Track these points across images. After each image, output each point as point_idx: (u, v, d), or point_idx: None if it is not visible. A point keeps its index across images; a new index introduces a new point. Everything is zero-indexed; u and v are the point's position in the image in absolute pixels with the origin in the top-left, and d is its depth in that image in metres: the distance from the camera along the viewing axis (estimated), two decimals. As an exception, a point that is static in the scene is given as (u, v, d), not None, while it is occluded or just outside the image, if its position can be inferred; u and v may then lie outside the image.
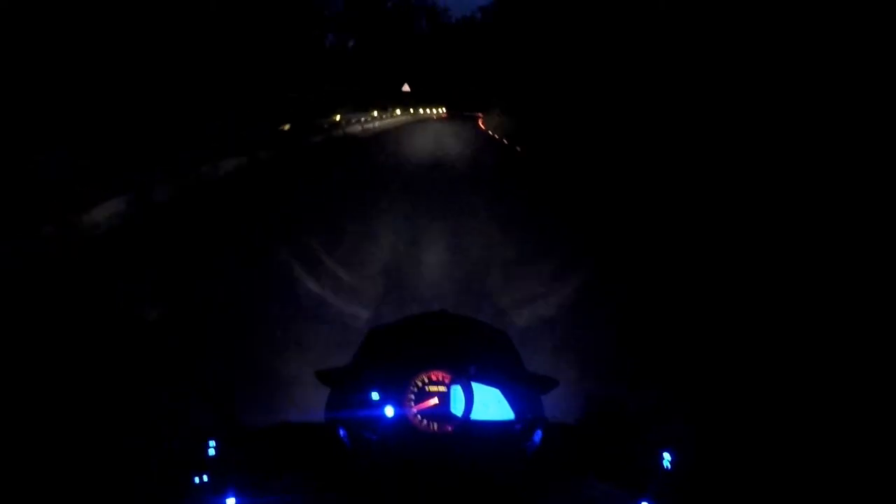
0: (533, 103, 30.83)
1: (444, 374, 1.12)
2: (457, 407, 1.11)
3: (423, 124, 35.19)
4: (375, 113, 30.33)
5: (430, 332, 1.25)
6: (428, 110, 48.96)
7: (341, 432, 1.08)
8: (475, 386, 1.12)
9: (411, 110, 41.24)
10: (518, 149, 19.80)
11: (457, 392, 1.11)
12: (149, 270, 4.99)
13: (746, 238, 6.86)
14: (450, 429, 1.10)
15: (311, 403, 1.20)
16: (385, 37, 53.28)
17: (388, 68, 48.48)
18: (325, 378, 1.15)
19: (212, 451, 1.00)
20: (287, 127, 16.90)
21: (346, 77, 38.24)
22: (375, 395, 1.10)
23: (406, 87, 41.25)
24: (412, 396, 1.11)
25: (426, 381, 1.12)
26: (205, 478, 0.97)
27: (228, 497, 0.96)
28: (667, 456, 1.02)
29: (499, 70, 49.71)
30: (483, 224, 7.60)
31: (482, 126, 35.68)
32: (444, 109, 55.25)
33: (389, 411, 1.09)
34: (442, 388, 1.12)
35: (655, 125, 14.47)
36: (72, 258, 5.30)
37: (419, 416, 1.10)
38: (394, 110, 35.02)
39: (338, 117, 22.92)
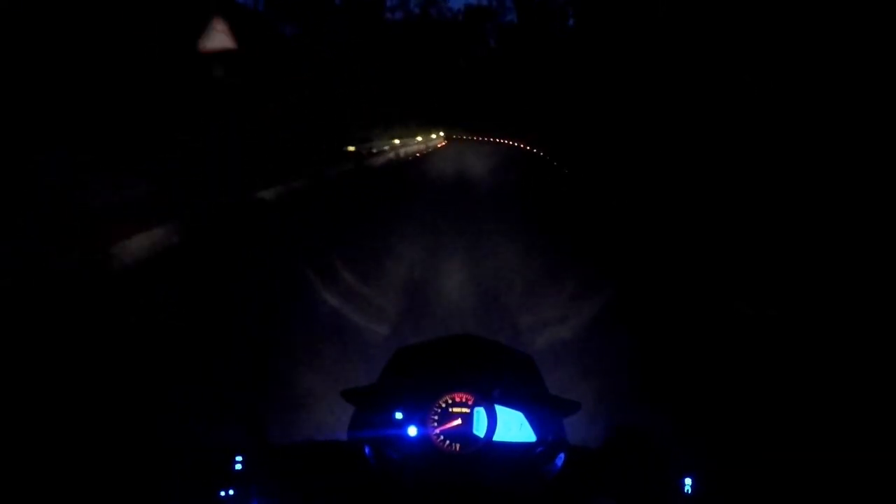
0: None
1: (468, 396, 1.13)
2: (479, 429, 1.12)
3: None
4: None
5: (455, 354, 1.26)
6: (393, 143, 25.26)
7: (367, 451, 1.08)
8: (498, 408, 1.13)
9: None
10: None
11: (480, 414, 1.12)
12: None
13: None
14: (472, 450, 1.10)
15: (336, 420, 1.20)
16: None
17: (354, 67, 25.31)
18: (351, 397, 1.16)
19: (238, 466, 1.00)
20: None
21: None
22: (399, 415, 1.11)
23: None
24: (435, 417, 1.12)
25: (450, 402, 1.13)
26: (231, 492, 0.97)
27: None
28: (688, 482, 1.03)
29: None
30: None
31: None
32: (439, 135, 35.84)
33: (412, 431, 1.10)
34: (465, 410, 1.13)
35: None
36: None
37: (442, 437, 1.11)
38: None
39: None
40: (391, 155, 23.52)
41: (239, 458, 1.01)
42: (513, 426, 1.13)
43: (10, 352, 3.48)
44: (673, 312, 5.33)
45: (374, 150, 22.94)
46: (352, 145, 20.70)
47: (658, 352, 4.37)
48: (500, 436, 1.12)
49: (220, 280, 5.90)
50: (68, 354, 3.56)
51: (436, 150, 31.61)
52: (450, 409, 1.13)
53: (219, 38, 10.35)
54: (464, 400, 1.13)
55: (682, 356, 4.26)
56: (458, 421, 1.12)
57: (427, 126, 36.27)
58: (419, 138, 31.87)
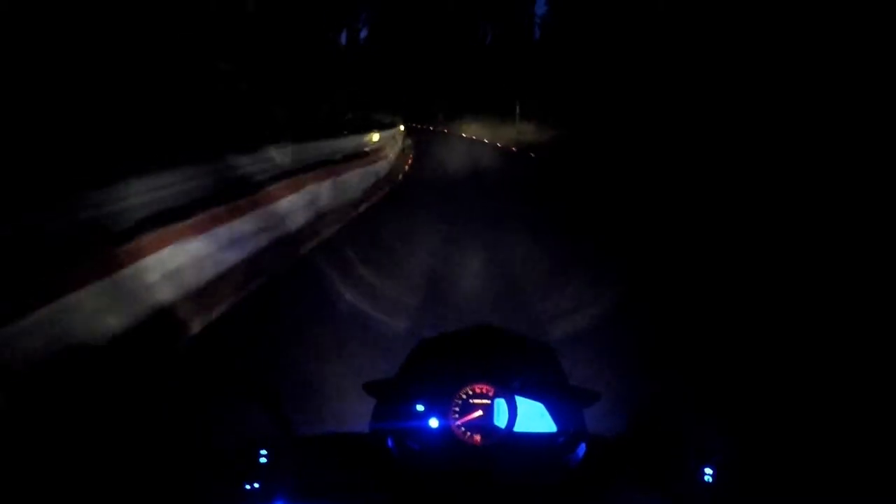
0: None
1: (489, 387, 1.14)
2: (500, 420, 1.12)
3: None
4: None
5: (475, 345, 1.26)
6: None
7: (389, 442, 1.09)
8: (519, 399, 1.13)
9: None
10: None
11: (501, 405, 1.13)
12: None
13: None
14: (493, 441, 1.11)
15: (358, 413, 1.21)
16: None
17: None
18: (373, 390, 1.17)
19: (263, 460, 1.02)
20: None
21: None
22: (420, 407, 1.12)
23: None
24: (456, 409, 1.13)
25: (470, 393, 1.14)
26: (256, 485, 0.99)
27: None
28: (709, 471, 1.03)
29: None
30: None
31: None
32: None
33: (434, 423, 1.11)
34: (486, 401, 1.13)
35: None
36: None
37: (463, 429, 1.12)
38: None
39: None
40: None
41: (264, 452, 1.03)
42: (533, 417, 1.14)
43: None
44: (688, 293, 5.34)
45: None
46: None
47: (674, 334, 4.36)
48: (520, 426, 1.12)
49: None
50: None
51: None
52: (470, 401, 1.13)
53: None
54: (484, 391, 1.14)
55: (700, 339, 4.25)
56: (479, 412, 1.13)
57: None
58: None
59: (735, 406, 3.13)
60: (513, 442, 1.11)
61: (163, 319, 4.34)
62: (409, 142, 22.45)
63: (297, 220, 8.05)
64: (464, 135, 28.41)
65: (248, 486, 0.99)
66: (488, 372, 1.16)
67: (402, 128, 22.30)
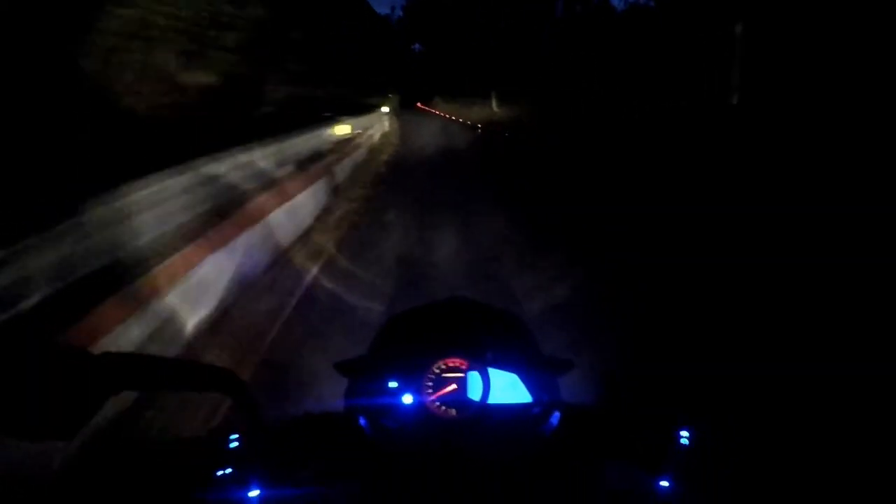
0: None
1: (461, 361, 1.13)
2: (474, 392, 1.11)
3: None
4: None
5: (446, 319, 1.25)
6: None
7: (362, 421, 1.07)
8: (492, 371, 1.12)
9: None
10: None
11: (474, 378, 1.12)
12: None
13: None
14: (468, 414, 1.10)
15: (332, 393, 1.19)
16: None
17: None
18: (344, 368, 1.15)
19: (234, 444, 0.99)
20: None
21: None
22: (393, 384, 1.10)
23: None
24: (430, 384, 1.11)
25: (443, 367, 1.13)
26: (228, 471, 0.96)
27: (252, 489, 0.96)
28: (685, 433, 1.03)
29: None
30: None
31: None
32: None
33: (407, 399, 1.10)
34: (459, 375, 1.12)
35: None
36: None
37: (437, 403, 1.11)
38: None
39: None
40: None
41: (234, 437, 1.00)
42: (507, 388, 1.13)
43: None
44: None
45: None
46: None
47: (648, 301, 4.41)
48: (494, 398, 1.12)
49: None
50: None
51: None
52: (443, 375, 1.12)
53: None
54: (457, 365, 1.13)
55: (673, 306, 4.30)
56: (453, 386, 1.12)
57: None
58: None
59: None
60: (488, 414, 1.11)
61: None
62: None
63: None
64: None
65: (219, 473, 0.97)
66: (460, 345, 1.14)
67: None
